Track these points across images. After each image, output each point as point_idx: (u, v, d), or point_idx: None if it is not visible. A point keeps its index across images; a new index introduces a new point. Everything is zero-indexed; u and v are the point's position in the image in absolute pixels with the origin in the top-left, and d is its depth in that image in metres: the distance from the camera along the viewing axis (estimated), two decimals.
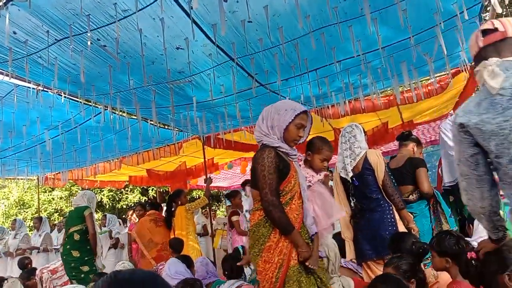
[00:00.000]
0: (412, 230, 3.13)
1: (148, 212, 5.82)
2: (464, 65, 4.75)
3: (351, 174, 3.28)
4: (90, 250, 5.01)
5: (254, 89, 4.33)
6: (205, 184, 6.29)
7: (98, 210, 15.67)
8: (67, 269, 4.94)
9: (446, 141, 4.07)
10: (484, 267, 1.81)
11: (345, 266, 3.31)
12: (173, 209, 5.67)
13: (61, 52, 3.43)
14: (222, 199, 19.14)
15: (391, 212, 3.17)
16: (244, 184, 6.68)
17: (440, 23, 3.34)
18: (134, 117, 5.40)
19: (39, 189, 10.44)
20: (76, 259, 4.91)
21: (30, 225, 12.51)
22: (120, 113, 5.18)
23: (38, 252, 7.09)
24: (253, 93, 4.46)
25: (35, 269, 5.52)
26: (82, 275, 4.82)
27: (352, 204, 3.40)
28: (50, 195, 15.65)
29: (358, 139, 3.34)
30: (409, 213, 3.28)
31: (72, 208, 5.39)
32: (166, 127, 6.27)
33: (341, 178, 3.42)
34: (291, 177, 2.27)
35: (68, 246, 4.95)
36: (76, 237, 4.96)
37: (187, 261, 3.90)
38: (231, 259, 3.52)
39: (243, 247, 4.73)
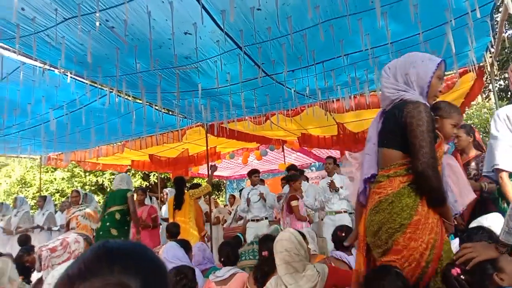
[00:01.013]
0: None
1: None
2: (472, 65, 4.72)
3: None
4: (127, 231, 5.37)
5: (260, 78, 4.32)
6: (208, 172, 6.33)
7: (99, 193, 15.77)
8: None
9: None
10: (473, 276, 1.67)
11: (338, 258, 3.33)
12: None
13: (69, 31, 3.42)
14: (223, 188, 19.20)
15: None
16: (250, 173, 6.68)
17: (451, 21, 3.32)
18: (139, 101, 5.41)
19: (42, 168, 10.50)
20: (114, 237, 5.14)
21: (32, 204, 12.60)
22: (126, 96, 5.18)
23: (41, 230, 7.14)
24: (259, 82, 4.45)
25: (33, 246, 5.57)
26: None
27: None
28: (52, 175, 15.74)
29: None
30: None
31: (113, 190, 5.71)
32: (170, 113, 6.28)
33: None
34: (441, 141, 1.96)
35: (107, 223, 5.23)
36: (117, 216, 5.26)
37: (186, 246, 3.92)
38: (228, 246, 3.54)
39: (242, 234, 4.76)
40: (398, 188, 1.84)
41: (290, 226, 5.49)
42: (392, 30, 3.60)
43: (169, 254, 3.66)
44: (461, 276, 1.66)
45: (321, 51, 4.11)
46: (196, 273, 3.41)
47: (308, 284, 2.53)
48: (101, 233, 5.22)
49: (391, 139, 1.93)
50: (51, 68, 4.16)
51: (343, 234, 3.31)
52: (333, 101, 5.99)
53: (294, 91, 5.28)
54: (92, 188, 15.79)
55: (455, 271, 1.68)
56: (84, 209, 5.99)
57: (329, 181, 5.94)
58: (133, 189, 5.76)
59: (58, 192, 15.66)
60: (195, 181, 17.09)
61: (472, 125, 4.49)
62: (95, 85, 4.75)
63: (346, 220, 5.67)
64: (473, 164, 3.77)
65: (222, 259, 3.42)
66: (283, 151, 10.08)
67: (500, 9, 3.79)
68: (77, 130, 6.30)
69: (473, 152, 3.85)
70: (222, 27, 3.33)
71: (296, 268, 2.58)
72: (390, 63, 2.04)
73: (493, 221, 2.61)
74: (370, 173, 2.01)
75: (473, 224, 3.08)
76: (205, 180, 7.96)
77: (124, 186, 5.53)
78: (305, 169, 13.34)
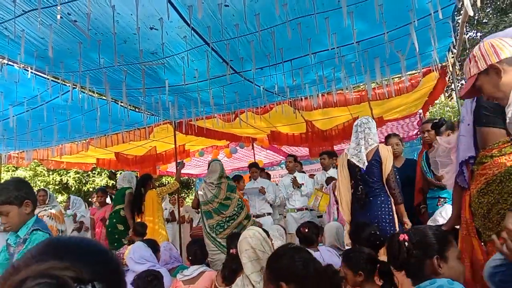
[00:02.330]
0: (406, 225, 3.47)
1: None
2: (435, 65, 4.86)
3: (366, 162, 3.58)
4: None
5: (228, 76, 4.29)
6: (176, 170, 6.27)
7: (64, 192, 15.32)
8: (111, 239, 5.69)
9: None
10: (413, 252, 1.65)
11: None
12: (142, 193, 5.65)
13: (29, 24, 3.28)
14: (192, 186, 19.05)
15: (389, 203, 3.53)
16: (251, 166, 6.66)
17: (415, 21, 3.39)
18: (103, 97, 5.26)
19: (2, 167, 10.07)
20: (121, 231, 5.64)
21: None
22: (89, 92, 5.03)
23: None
24: (228, 80, 4.42)
25: None
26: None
27: (359, 188, 3.66)
28: (14, 174, 15.14)
29: (373, 132, 3.70)
30: (404, 209, 3.58)
31: (118, 189, 6.15)
32: (136, 109, 6.14)
33: (348, 162, 3.69)
34: None
35: (114, 220, 5.72)
36: (122, 213, 5.73)
37: (153, 246, 3.86)
38: (196, 244, 3.51)
39: None
40: (505, 167, 1.74)
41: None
42: (358, 29, 3.65)
43: (136, 255, 3.59)
44: (405, 243, 1.65)
45: (289, 49, 4.12)
46: (163, 272, 3.37)
47: None
48: (109, 229, 5.72)
49: (491, 117, 1.82)
50: (10, 63, 3.98)
51: (307, 230, 3.38)
52: (301, 99, 6.03)
53: (263, 88, 5.28)
54: (56, 187, 15.31)
55: (403, 236, 1.67)
56: (50, 209, 5.82)
57: (292, 178, 6.02)
58: (134, 183, 6.00)
59: None
60: (163, 180, 16.89)
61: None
62: (57, 80, 4.57)
63: (307, 217, 5.80)
64: None
65: (190, 258, 3.39)
66: (253, 148, 10.08)
67: (461, 12, 3.92)
68: (39, 128, 6.07)
69: None
70: (189, 22, 3.28)
71: (262, 265, 2.58)
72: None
73: None
74: (467, 155, 1.95)
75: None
76: (174, 178, 7.87)
77: (126, 184, 5.90)
78: (275, 166, 13.42)
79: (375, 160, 3.59)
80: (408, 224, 3.47)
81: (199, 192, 5.11)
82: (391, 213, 3.50)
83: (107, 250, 0.74)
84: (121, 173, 15.11)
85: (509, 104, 1.56)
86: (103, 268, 0.67)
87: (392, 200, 3.56)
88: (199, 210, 5.47)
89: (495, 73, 1.73)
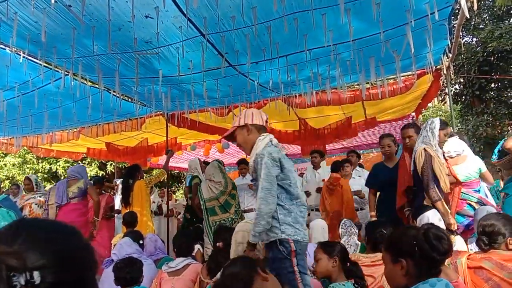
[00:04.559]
0: (448, 225, 3.33)
1: None
2: (430, 67, 4.87)
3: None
4: None
5: (223, 68, 4.26)
6: (165, 161, 6.23)
7: (53, 181, 15.18)
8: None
9: None
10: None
11: None
12: (130, 184, 5.58)
13: (22, 7, 3.22)
14: (183, 180, 18.99)
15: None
16: (240, 163, 6.63)
17: (411, 22, 3.39)
18: (96, 86, 5.20)
19: None
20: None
21: None
22: (82, 80, 4.97)
23: None
24: (222, 72, 4.39)
25: None
26: None
27: None
28: (2, 160, 14.97)
29: (428, 134, 3.67)
30: (446, 207, 3.45)
31: None
32: (129, 100, 6.08)
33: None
34: None
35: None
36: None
37: (138, 238, 3.84)
38: (182, 237, 3.49)
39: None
40: None
41: None
42: (354, 27, 3.64)
43: (121, 252, 3.54)
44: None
45: (284, 44, 4.10)
46: (148, 263, 3.35)
47: None
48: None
49: None
50: (2, 46, 3.92)
51: None
52: (295, 96, 6.02)
53: (257, 83, 5.26)
54: (45, 175, 15.16)
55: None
56: (40, 197, 5.75)
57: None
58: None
59: (8, 178, 14.92)
60: (153, 173, 16.80)
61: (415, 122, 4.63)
62: (50, 66, 4.51)
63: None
64: None
65: (175, 250, 3.38)
66: None
67: (458, 16, 3.93)
68: (30, 114, 5.98)
69: None
70: (185, 12, 3.25)
71: None
72: None
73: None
74: None
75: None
76: None
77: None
78: None
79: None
80: (452, 224, 3.38)
81: (202, 190, 4.98)
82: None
83: (75, 237, 0.71)
84: (111, 163, 15.03)
85: None
86: (57, 257, 0.64)
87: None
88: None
89: (246, 130, 2.72)
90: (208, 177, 5.04)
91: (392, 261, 1.66)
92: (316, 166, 6.19)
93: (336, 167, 5.54)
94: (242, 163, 6.61)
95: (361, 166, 6.71)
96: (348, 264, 2.47)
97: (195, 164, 5.86)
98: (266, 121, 2.85)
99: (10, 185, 13.91)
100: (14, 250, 0.59)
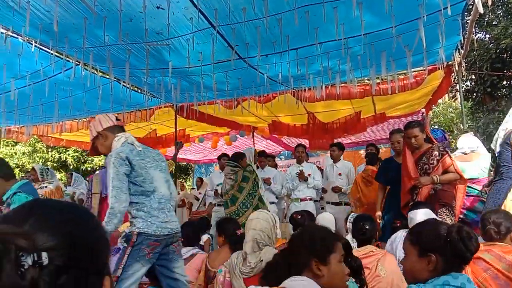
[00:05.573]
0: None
1: None
2: (441, 63, 4.82)
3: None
4: None
5: (233, 61, 4.26)
6: (174, 153, 6.24)
7: (62, 170, 15.34)
8: None
9: None
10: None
11: None
12: None
13: None
14: (190, 172, 19.07)
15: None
16: (259, 155, 6.62)
17: (424, 16, 3.36)
18: (106, 76, 5.24)
19: (1, 141, 10.08)
20: None
21: None
22: (92, 70, 5.00)
23: None
24: (232, 65, 4.39)
25: None
26: None
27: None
28: (13, 149, 15.16)
29: None
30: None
31: None
32: (139, 90, 6.11)
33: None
34: None
35: None
36: None
37: None
38: (190, 226, 3.52)
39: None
40: None
41: None
42: (366, 21, 3.61)
43: None
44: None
45: (295, 37, 4.09)
46: None
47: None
48: None
49: None
50: (14, 35, 3.94)
51: (299, 217, 3.44)
52: (304, 89, 6.00)
53: (267, 76, 5.25)
54: (55, 164, 15.33)
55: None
56: (46, 186, 5.81)
57: (299, 171, 5.98)
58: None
59: (18, 167, 15.11)
60: None
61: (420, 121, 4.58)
62: (61, 56, 4.55)
63: (310, 207, 5.75)
64: (424, 158, 3.93)
65: (182, 240, 3.40)
66: (253, 137, 10.06)
67: (471, 12, 3.88)
68: (40, 103, 6.05)
69: (424, 147, 4.00)
70: (196, 3, 3.25)
71: (261, 249, 2.63)
72: None
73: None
74: None
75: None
76: None
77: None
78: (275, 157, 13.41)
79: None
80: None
81: (223, 185, 5.57)
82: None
83: (89, 222, 0.71)
84: None
85: None
86: (68, 240, 0.64)
87: None
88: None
89: (102, 138, 2.87)
90: (225, 174, 5.51)
91: (419, 255, 1.68)
92: (335, 159, 6.17)
93: (373, 160, 5.60)
94: (261, 155, 6.59)
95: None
96: (350, 259, 2.42)
97: (249, 153, 5.92)
98: (117, 119, 2.99)
99: (21, 173, 14.10)
100: (24, 231, 0.60)
